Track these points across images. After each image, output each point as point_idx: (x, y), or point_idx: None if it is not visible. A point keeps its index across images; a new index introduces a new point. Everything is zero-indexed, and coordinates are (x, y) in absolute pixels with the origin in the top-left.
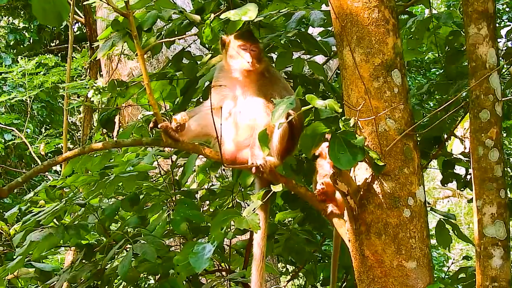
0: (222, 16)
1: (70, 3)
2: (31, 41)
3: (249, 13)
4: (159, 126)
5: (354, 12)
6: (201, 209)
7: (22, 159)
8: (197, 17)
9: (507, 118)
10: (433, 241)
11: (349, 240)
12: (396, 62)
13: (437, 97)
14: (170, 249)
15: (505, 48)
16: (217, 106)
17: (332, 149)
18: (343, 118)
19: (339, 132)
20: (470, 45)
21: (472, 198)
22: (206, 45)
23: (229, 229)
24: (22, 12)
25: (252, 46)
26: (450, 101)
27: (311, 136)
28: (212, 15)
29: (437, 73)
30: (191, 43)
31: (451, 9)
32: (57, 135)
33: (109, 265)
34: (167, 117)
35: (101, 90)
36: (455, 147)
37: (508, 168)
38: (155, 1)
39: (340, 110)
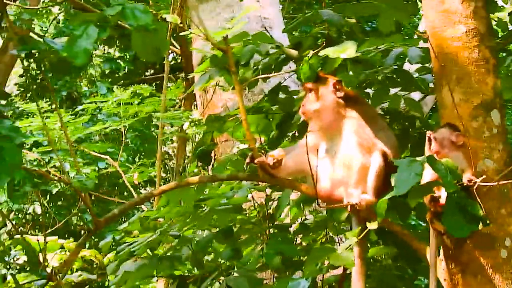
0: (321, 53)
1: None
2: (126, 70)
3: (348, 50)
4: (255, 161)
5: (454, 51)
6: (294, 243)
7: (115, 187)
8: (295, 52)
9: None
10: None
11: (445, 280)
12: (496, 102)
13: None
14: (263, 283)
15: None
16: (313, 145)
17: (447, 214)
18: None
19: (456, 198)
20: None
21: None
22: (303, 80)
23: (323, 265)
24: (117, 42)
25: (311, 86)
26: None
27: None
28: (311, 52)
29: None
30: (287, 77)
31: None
32: (150, 164)
33: None
34: (263, 152)
35: (196, 123)
36: None
37: None
38: (253, 36)
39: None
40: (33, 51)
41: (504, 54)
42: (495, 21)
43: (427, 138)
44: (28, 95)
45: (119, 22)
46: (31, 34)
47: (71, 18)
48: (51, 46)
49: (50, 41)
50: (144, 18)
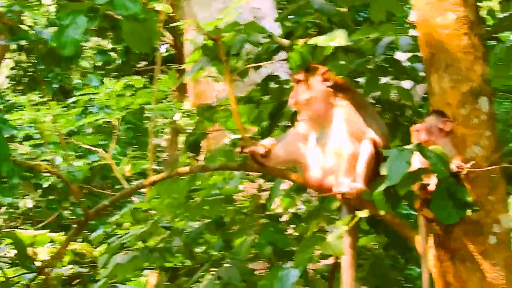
0: (310, 42)
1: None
2: (119, 62)
3: (338, 39)
4: (246, 150)
5: (443, 39)
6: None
7: (107, 180)
8: (286, 42)
9: None
10: None
11: (433, 266)
12: (484, 89)
13: None
14: (255, 273)
15: None
16: (304, 134)
17: (436, 200)
18: None
19: (446, 184)
20: None
21: None
22: (293, 70)
23: (314, 254)
24: (110, 33)
25: (299, 77)
26: None
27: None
28: (301, 41)
29: None
30: (279, 67)
31: None
32: (143, 156)
33: None
34: (254, 142)
35: (189, 114)
36: None
37: None
38: (244, 25)
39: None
40: (23, 43)
41: (494, 43)
42: (488, 10)
43: (413, 129)
44: (19, 88)
45: (109, 12)
46: (20, 25)
47: (60, 8)
48: (40, 36)
49: (38, 31)
50: (133, 7)
